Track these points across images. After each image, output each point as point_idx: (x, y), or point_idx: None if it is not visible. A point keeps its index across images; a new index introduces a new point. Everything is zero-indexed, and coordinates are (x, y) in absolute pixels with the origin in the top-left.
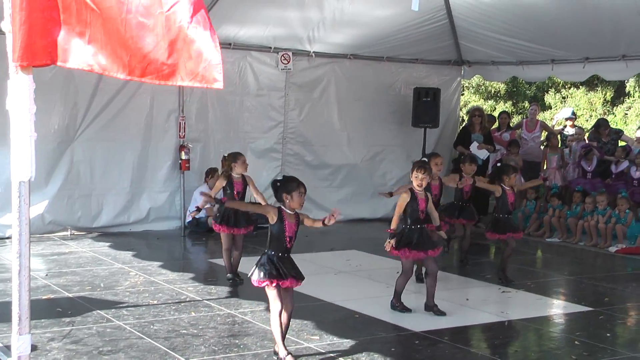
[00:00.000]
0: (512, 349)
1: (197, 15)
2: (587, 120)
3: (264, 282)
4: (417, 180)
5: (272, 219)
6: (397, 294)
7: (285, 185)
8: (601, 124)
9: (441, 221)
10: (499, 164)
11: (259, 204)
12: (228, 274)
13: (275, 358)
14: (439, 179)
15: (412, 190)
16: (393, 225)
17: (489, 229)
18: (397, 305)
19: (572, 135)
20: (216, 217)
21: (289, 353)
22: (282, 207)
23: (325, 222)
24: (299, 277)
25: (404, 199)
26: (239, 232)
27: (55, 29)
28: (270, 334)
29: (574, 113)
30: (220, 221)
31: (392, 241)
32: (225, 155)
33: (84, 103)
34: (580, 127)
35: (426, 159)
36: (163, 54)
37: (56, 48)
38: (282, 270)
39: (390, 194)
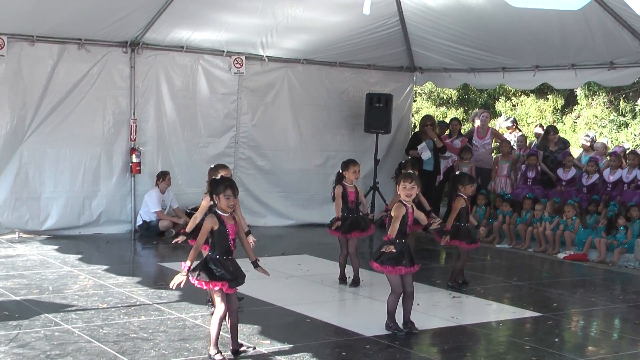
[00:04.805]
0: (462, 353)
1: None
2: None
3: (213, 284)
4: (406, 190)
5: (215, 224)
6: (391, 315)
7: (214, 187)
8: (550, 129)
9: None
10: (457, 172)
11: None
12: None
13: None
14: (354, 187)
15: (403, 203)
16: (392, 233)
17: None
18: (392, 325)
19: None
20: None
21: (218, 352)
22: (216, 210)
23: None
24: (237, 281)
25: (400, 211)
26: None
27: None
28: (222, 338)
29: (513, 120)
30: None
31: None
32: (212, 166)
33: (33, 104)
34: (523, 135)
35: (350, 164)
36: None
37: None
38: (225, 273)
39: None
